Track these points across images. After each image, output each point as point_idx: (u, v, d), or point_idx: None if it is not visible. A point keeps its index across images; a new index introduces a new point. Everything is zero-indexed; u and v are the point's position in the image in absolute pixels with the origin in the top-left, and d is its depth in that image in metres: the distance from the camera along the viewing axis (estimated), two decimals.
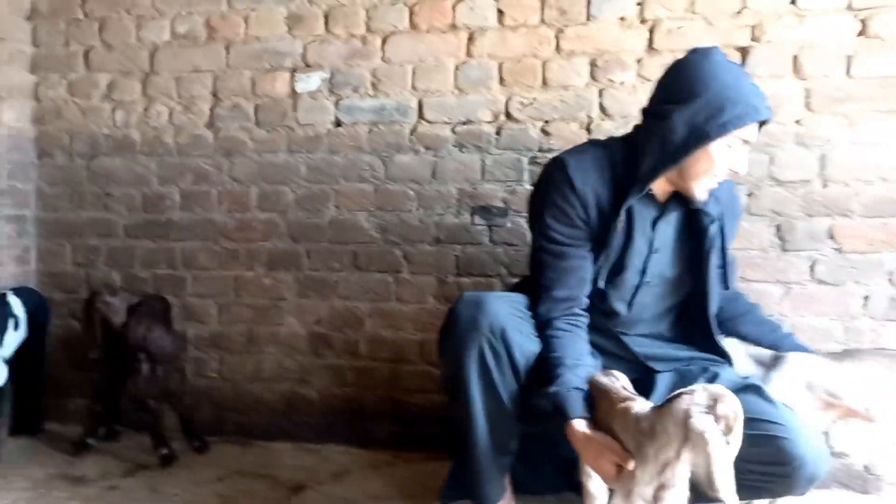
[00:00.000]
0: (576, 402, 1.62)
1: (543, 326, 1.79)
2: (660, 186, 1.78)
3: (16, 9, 2.85)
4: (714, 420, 1.32)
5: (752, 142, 1.68)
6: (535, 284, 1.83)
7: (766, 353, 1.82)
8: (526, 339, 1.76)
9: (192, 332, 2.81)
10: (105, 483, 2.34)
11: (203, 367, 2.82)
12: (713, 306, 1.84)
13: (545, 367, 1.72)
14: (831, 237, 2.29)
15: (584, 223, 1.77)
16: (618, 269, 1.81)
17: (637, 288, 1.84)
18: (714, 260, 1.81)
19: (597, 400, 1.60)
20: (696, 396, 1.35)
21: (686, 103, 1.66)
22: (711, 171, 1.69)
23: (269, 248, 2.74)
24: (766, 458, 1.61)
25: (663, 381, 1.79)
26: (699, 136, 1.65)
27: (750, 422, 1.58)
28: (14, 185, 2.85)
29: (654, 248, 1.82)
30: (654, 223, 1.81)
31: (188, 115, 2.78)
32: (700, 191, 1.73)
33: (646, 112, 1.79)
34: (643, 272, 1.82)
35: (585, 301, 1.81)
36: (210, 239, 2.79)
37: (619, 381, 1.61)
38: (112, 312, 2.49)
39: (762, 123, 1.70)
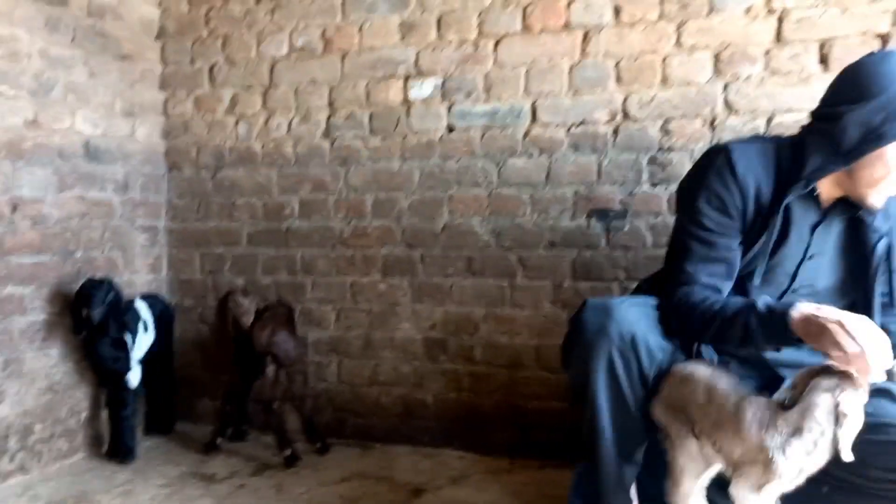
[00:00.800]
0: (782, 302, 1.58)
1: (681, 306, 1.70)
2: (826, 190, 1.68)
3: (146, 29, 3.02)
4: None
5: None
6: (674, 272, 1.74)
7: None
8: (655, 345, 1.70)
9: (312, 336, 2.89)
10: (235, 481, 2.44)
11: (323, 371, 2.89)
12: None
13: (715, 319, 1.63)
14: None
15: (739, 213, 1.69)
16: (768, 270, 1.72)
17: (784, 293, 1.74)
18: (878, 282, 1.70)
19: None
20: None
21: (861, 104, 1.57)
22: (887, 177, 1.59)
23: (384, 254, 2.78)
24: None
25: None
26: (874, 138, 1.55)
27: (879, 427, 1.49)
28: (147, 197, 3.02)
29: (810, 254, 1.71)
30: (814, 228, 1.71)
31: (306, 125, 2.86)
32: (875, 198, 1.63)
33: (814, 114, 1.70)
34: (793, 277, 1.72)
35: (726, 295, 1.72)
36: (328, 246, 2.86)
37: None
38: (242, 313, 2.59)
39: None
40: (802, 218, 1.70)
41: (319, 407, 2.85)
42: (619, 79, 2.44)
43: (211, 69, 3.00)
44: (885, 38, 2.15)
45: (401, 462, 2.61)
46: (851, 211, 1.69)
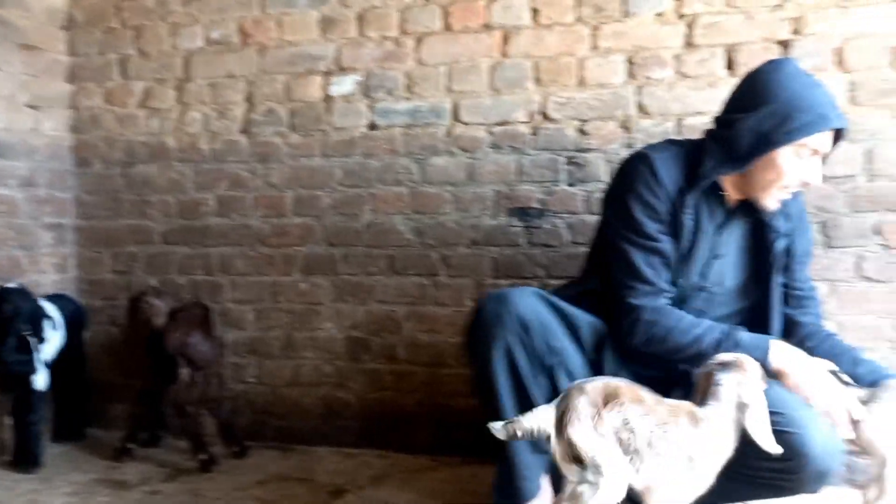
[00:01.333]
0: (759, 337, 1.67)
1: (651, 316, 1.75)
2: (730, 192, 1.77)
3: (52, 18, 2.89)
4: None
5: (824, 153, 1.66)
6: (628, 285, 1.78)
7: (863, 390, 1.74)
8: (552, 330, 1.74)
9: (230, 337, 2.82)
10: (147, 488, 2.35)
11: (241, 373, 2.83)
12: (774, 325, 1.81)
13: (691, 347, 1.71)
14: (878, 233, 2.23)
15: (668, 217, 1.75)
16: (682, 269, 1.79)
17: (697, 291, 1.81)
18: (777, 278, 1.79)
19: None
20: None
21: (753, 111, 1.67)
22: (779, 181, 1.68)
23: (305, 252, 2.74)
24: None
25: None
26: (764, 143, 1.64)
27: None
28: (53, 193, 2.89)
29: (716, 253, 1.79)
30: (719, 228, 1.79)
31: (223, 121, 2.80)
32: (769, 201, 1.72)
33: (716, 120, 1.79)
34: (704, 276, 1.80)
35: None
36: (246, 244, 2.80)
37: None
38: (154, 314, 2.51)
39: (838, 136, 1.66)
40: (710, 219, 1.79)
41: (238, 409, 2.79)
42: (537, 80, 2.48)
43: (122, 61, 2.89)
44: (785, 45, 2.27)
45: (322, 463, 2.58)
46: (754, 213, 1.77)
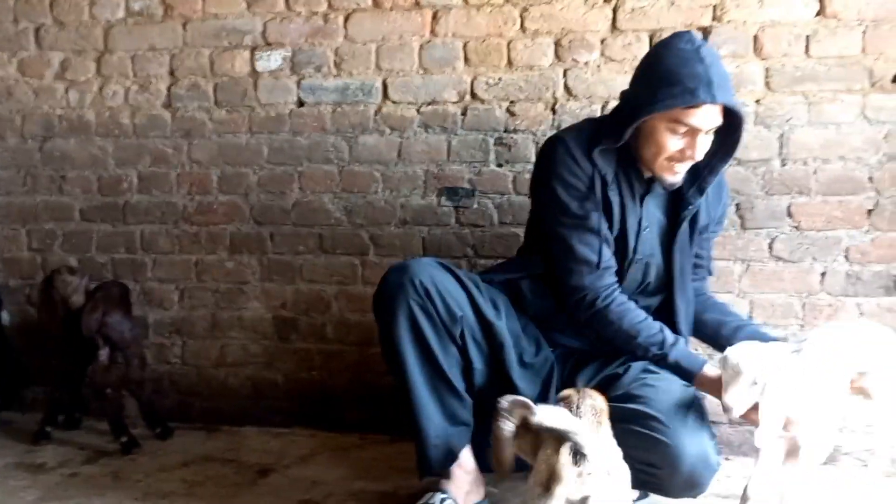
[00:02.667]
0: (693, 356, 1.79)
1: (598, 298, 1.81)
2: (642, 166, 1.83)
3: None
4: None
5: (706, 129, 1.68)
6: (570, 267, 1.83)
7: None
8: (454, 297, 1.78)
9: (153, 317, 2.76)
10: (65, 470, 2.30)
11: (165, 353, 2.77)
12: (677, 299, 1.89)
13: (632, 336, 1.79)
14: (790, 215, 2.33)
15: (592, 193, 1.80)
16: (617, 244, 1.85)
17: (632, 263, 1.87)
18: (678, 246, 1.86)
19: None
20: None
21: (634, 84, 1.77)
22: (660, 154, 1.73)
23: (231, 231, 2.69)
24: (648, 459, 1.67)
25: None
26: (631, 116, 1.71)
27: (638, 418, 1.66)
28: None
29: (644, 225, 1.85)
30: (642, 200, 1.86)
31: (145, 94, 2.71)
32: (662, 174, 1.78)
33: (620, 94, 1.86)
34: (634, 249, 1.86)
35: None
36: (170, 222, 2.73)
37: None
38: (72, 291, 2.43)
39: (733, 115, 1.69)
40: (631, 192, 1.85)
41: (162, 390, 2.74)
42: (467, 60, 2.48)
43: (37, 31, 2.76)
44: (706, 31, 2.33)
45: (248, 443, 2.56)
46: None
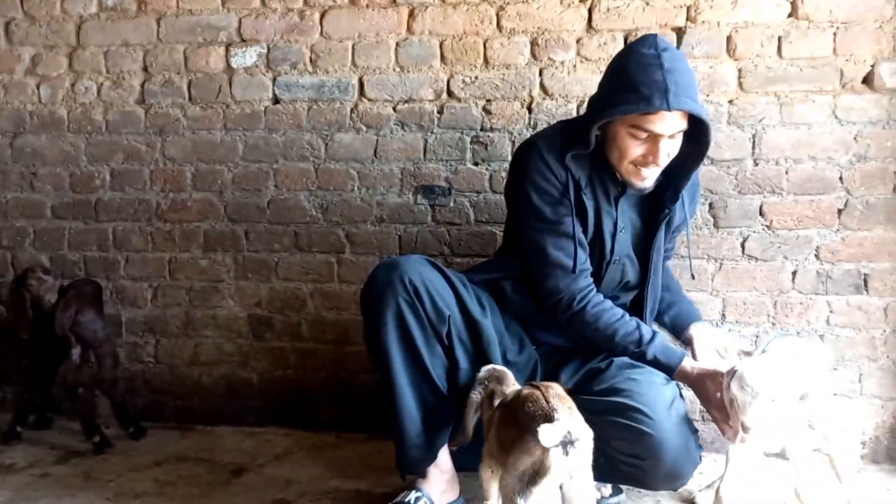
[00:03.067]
0: (671, 350, 1.80)
1: (574, 301, 1.83)
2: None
3: None
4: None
5: (663, 134, 1.69)
6: (546, 272, 1.85)
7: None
8: (442, 296, 1.78)
9: (125, 316, 2.73)
10: (36, 470, 2.27)
11: (138, 352, 2.74)
12: (648, 294, 1.91)
13: (610, 336, 1.81)
14: (762, 214, 2.36)
15: (568, 198, 1.80)
16: (591, 244, 1.86)
17: (609, 265, 1.89)
18: (656, 248, 1.88)
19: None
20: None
21: (598, 89, 1.78)
22: (624, 159, 1.75)
23: (205, 228, 2.67)
24: (632, 451, 1.70)
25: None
26: (589, 120, 1.73)
27: (622, 410, 1.67)
28: None
29: (620, 226, 1.87)
30: (616, 202, 1.87)
31: (118, 90, 2.68)
32: (628, 177, 1.79)
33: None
34: (611, 250, 1.87)
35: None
36: (143, 219, 2.70)
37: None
38: (45, 291, 2.40)
39: (700, 124, 1.70)
40: (606, 194, 1.86)
41: (135, 390, 2.71)
42: (443, 58, 2.48)
43: (7, 25, 2.72)
44: (680, 32, 2.34)
45: (222, 443, 2.54)
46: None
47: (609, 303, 1.86)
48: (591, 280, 1.87)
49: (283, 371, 2.67)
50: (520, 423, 1.44)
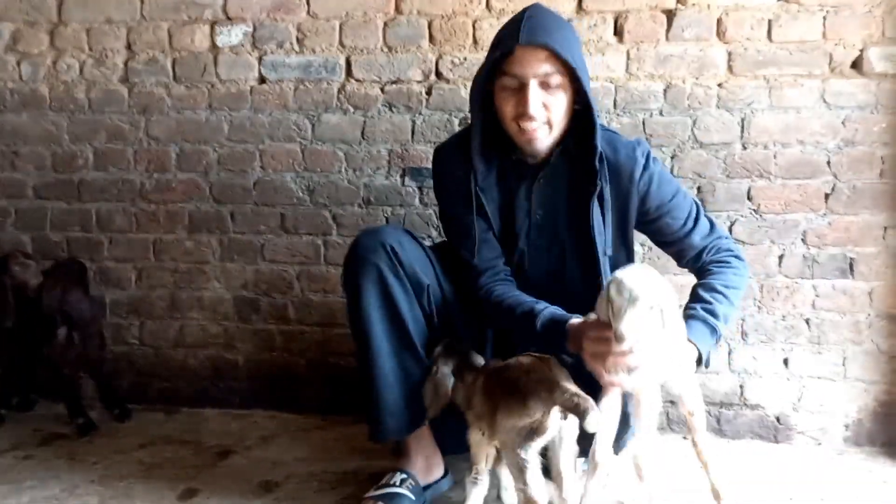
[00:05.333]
0: (564, 313, 1.67)
1: (481, 292, 1.83)
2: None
3: None
4: None
5: (527, 76, 1.68)
6: (460, 265, 1.88)
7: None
8: (421, 268, 1.79)
9: (109, 297, 2.71)
10: (19, 453, 2.25)
11: (123, 334, 2.72)
12: (602, 269, 1.83)
13: (511, 314, 1.75)
14: (749, 198, 2.36)
15: (467, 199, 1.82)
16: (504, 237, 1.87)
17: (520, 255, 1.88)
18: (596, 231, 1.80)
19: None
20: None
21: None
22: (505, 120, 1.77)
23: (190, 209, 2.64)
24: None
25: None
26: (471, 99, 1.81)
27: None
28: None
29: (537, 212, 1.85)
30: (531, 189, 1.85)
31: (101, 68, 2.63)
32: (517, 140, 1.78)
33: None
34: (529, 238, 1.87)
35: (505, 267, 1.87)
36: (127, 200, 2.67)
37: None
38: (30, 275, 2.37)
39: (556, 56, 1.68)
40: (520, 181, 1.86)
41: (119, 371, 2.69)
42: (431, 38, 2.45)
43: None
44: (670, 14, 2.33)
45: (208, 425, 2.53)
46: (566, 166, 1.83)
47: (514, 291, 1.81)
48: (500, 273, 1.85)
49: (269, 353, 2.66)
50: (522, 389, 1.52)
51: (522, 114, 1.71)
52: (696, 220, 1.87)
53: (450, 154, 1.89)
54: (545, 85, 1.70)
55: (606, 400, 1.55)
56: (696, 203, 1.91)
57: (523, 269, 1.89)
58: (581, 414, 1.43)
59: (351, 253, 1.80)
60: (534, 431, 1.50)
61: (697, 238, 1.86)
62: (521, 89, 1.70)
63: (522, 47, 1.67)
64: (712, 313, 1.69)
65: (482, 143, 1.82)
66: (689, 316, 1.68)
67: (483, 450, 1.69)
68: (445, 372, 1.72)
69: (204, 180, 2.62)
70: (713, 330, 1.67)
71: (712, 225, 1.89)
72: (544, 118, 1.72)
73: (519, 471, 1.51)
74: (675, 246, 1.90)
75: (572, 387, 1.50)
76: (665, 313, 1.46)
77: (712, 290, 1.75)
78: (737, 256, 1.86)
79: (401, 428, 1.82)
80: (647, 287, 1.44)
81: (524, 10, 1.75)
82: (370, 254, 1.74)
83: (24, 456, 2.23)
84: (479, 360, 1.76)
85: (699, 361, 1.64)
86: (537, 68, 1.68)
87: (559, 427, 1.52)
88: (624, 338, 1.41)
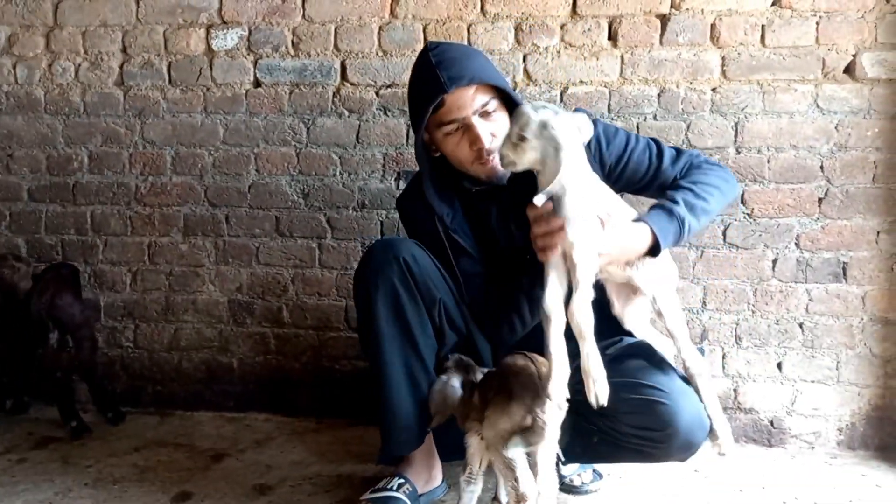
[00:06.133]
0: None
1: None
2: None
3: None
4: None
5: (466, 116, 1.69)
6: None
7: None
8: (435, 280, 1.78)
9: (104, 300, 2.70)
10: (13, 456, 2.24)
11: (117, 337, 2.72)
12: None
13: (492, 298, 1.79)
14: (743, 202, 2.36)
15: (440, 240, 1.84)
16: (495, 257, 1.87)
17: (526, 265, 1.83)
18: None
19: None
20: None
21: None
22: (461, 162, 1.76)
23: (185, 213, 2.64)
24: (644, 423, 1.66)
25: None
26: (416, 152, 1.80)
27: (633, 386, 1.64)
28: None
29: (515, 234, 1.83)
30: (501, 209, 1.85)
31: (96, 72, 2.63)
32: (482, 175, 1.77)
33: None
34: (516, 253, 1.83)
35: None
36: (122, 203, 2.67)
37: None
38: (19, 278, 2.36)
39: (482, 85, 1.69)
40: (488, 207, 1.86)
41: (113, 375, 2.69)
42: (426, 42, 2.45)
43: None
44: (664, 19, 2.34)
45: (202, 428, 2.52)
46: (520, 181, 1.75)
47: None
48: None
49: (263, 356, 2.66)
50: (511, 390, 1.53)
51: (480, 151, 1.71)
52: (660, 153, 1.81)
53: (413, 205, 1.89)
54: (485, 115, 1.71)
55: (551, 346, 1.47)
56: (653, 140, 1.84)
57: (521, 280, 1.85)
58: (533, 435, 1.50)
59: (365, 266, 1.78)
60: (516, 433, 1.52)
61: (669, 168, 1.79)
62: (467, 129, 1.71)
63: (451, 94, 1.67)
64: (671, 199, 1.65)
65: (437, 187, 1.83)
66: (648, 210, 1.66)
67: (479, 452, 1.69)
68: (455, 385, 1.72)
69: (199, 183, 2.62)
70: (670, 214, 1.61)
71: (678, 151, 1.83)
72: (496, 145, 1.69)
73: (508, 469, 1.53)
74: (654, 186, 1.82)
75: (555, 395, 1.47)
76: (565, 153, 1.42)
77: (676, 187, 1.71)
78: (710, 162, 1.80)
79: (412, 441, 1.82)
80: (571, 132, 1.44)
81: (426, 55, 1.73)
82: (384, 267, 1.72)
83: (18, 459, 2.22)
84: (480, 376, 1.75)
85: (658, 247, 1.58)
86: (473, 105, 1.69)
87: (543, 431, 1.53)
88: (510, 160, 1.46)
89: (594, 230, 1.46)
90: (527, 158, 1.46)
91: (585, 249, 1.43)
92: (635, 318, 1.72)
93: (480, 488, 1.72)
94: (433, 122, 1.73)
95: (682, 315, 1.64)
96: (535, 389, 1.51)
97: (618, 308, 1.70)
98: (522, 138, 1.45)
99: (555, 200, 1.46)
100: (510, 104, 1.73)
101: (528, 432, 1.51)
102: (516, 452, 1.53)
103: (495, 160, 1.70)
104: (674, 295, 1.64)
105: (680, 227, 1.61)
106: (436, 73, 1.67)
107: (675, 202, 1.63)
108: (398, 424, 1.79)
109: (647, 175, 1.81)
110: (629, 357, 1.74)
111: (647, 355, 1.74)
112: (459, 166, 1.79)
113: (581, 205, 1.45)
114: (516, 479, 1.52)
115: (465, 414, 1.69)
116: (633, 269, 1.59)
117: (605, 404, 1.42)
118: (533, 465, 1.57)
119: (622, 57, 2.37)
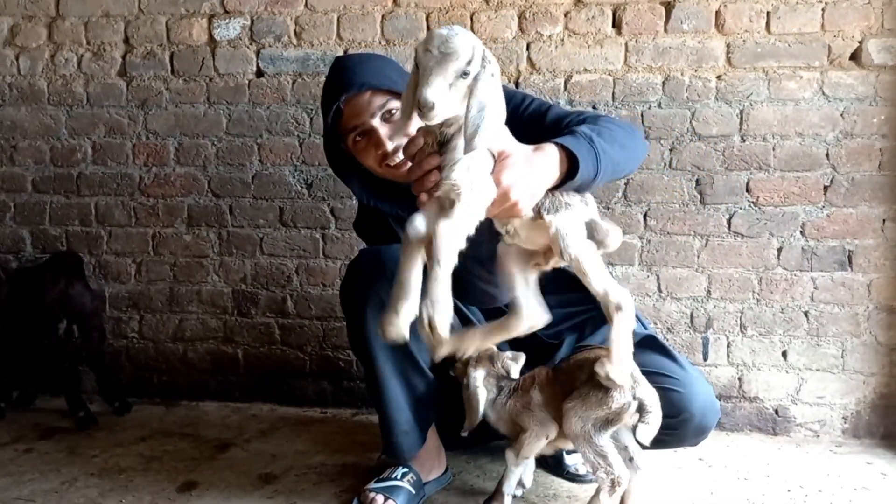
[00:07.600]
0: None
1: None
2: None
3: None
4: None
5: (366, 123, 1.67)
6: None
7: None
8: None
9: (109, 290, 2.71)
10: (20, 446, 2.26)
11: (122, 328, 2.72)
12: None
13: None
14: (748, 191, 2.35)
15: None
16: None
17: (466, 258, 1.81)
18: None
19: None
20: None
21: None
22: (375, 167, 1.73)
23: (189, 203, 2.64)
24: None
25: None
26: (331, 152, 1.78)
27: (648, 375, 1.62)
28: None
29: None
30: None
31: (99, 62, 2.63)
32: (397, 177, 1.71)
33: None
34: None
35: None
36: (125, 194, 2.67)
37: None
38: None
39: (377, 88, 1.66)
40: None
41: (118, 365, 2.70)
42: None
43: None
44: (668, 6, 2.32)
45: (208, 418, 2.53)
46: None
47: None
48: None
49: (268, 347, 2.66)
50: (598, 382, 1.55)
51: (384, 155, 1.69)
52: (553, 106, 1.74)
53: (368, 221, 1.91)
54: (387, 116, 1.68)
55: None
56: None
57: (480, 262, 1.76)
58: (619, 420, 1.56)
59: (351, 280, 1.76)
60: (610, 421, 1.56)
61: (562, 115, 1.67)
62: (370, 134, 1.69)
63: (346, 102, 1.66)
64: (571, 133, 1.47)
65: (376, 196, 1.81)
66: None
67: (538, 451, 1.73)
68: (477, 384, 1.71)
69: (202, 174, 2.62)
70: (574, 134, 1.44)
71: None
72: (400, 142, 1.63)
73: (600, 456, 1.57)
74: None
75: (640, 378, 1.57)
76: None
77: (575, 126, 1.54)
78: (611, 118, 1.64)
79: (414, 443, 1.83)
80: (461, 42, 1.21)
81: (334, 67, 1.74)
82: (372, 283, 1.70)
83: (25, 449, 2.23)
84: (514, 367, 1.76)
85: (577, 166, 1.37)
86: (371, 109, 1.66)
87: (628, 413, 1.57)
88: (428, 103, 1.18)
89: (484, 166, 1.28)
90: (458, 104, 1.22)
91: (474, 189, 1.26)
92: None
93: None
94: (344, 134, 1.71)
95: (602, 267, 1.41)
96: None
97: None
98: (465, 74, 1.21)
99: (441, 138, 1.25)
100: None
101: (617, 418, 1.56)
102: (606, 439, 1.57)
103: (402, 158, 1.63)
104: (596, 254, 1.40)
105: (591, 145, 1.42)
106: (339, 80, 1.68)
107: (576, 131, 1.47)
108: (398, 430, 1.80)
109: (538, 123, 1.68)
110: (637, 348, 1.73)
111: (655, 345, 1.75)
112: (374, 172, 1.75)
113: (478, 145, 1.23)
114: (610, 465, 1.56)
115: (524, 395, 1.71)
116: (552, 214, 1.36)
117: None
118: (621, 449, 1.63)
119: (626, 45, 2.36)
